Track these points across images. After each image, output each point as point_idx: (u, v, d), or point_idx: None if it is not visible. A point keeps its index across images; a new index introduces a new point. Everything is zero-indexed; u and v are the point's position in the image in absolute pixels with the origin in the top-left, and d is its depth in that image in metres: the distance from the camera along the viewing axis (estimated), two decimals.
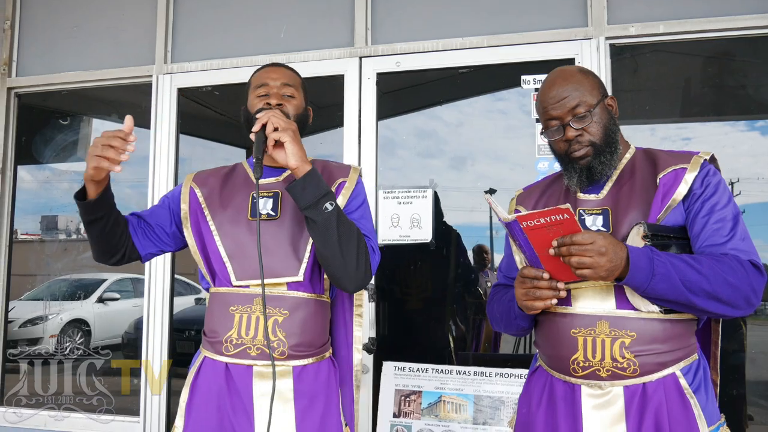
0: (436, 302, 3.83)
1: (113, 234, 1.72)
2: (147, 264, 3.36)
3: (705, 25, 2.89)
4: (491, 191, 5.60)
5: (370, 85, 3.15)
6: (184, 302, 6.09)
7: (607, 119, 1.60)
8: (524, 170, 3.10)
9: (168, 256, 3.33)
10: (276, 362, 1.65)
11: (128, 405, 3.28)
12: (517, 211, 1.74)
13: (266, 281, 1.65)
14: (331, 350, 1.81)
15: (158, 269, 3.35)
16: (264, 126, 1.62)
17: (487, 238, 4.16)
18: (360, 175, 1.87)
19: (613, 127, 1.62)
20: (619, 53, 3.02)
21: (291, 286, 1.70)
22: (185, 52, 3.52)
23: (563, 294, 1.47)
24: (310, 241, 1.69)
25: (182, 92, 3.48)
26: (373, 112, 3.14)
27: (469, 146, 5.28)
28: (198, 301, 8.94)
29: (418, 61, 3.16)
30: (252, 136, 1.63)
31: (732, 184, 5.53)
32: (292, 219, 1.72)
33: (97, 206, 1.64)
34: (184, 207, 1.82)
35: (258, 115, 1.65)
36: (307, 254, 1.70)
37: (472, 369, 2.83)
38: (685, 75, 3.87)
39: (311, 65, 3.25)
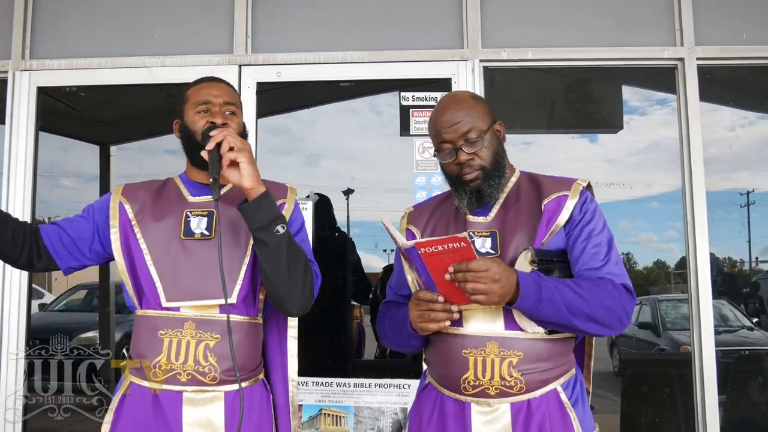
0: (320, 314, 3.82)
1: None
2: None
3: (567, 54, 3.12)
4: (348, 191, 5.65)
5: (250, 94, 3.10)
6: None
7: (496, 144, 1.68)
8: (377, 169, 3.17)
9: None
10: (207, 387, 1.62)
11: None
12: (408, 231, 1.78)
13: (198, 303, 1.64)
14: (263, 373, 1.77)
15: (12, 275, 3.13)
16: (218, 145, 1.59)
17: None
18: (296, 196, 1.85)
19: (502, 151, 1.70)
20: (491, 74, 3.18)
21: (223, 308, 1.63)
22: (46, 49, 3.27)
23: (456, 316, 1.52)
24: (245, 262, 1.69)
25: (43, 91, 3.23)
26: (254, 120, 3.09)
27: (323, 145, 5.29)
28: (42, 306, 8.21)
29: (299, 72, 3.16)
30: (204, 154, 1.60)
31: None
32: (227, 239, 1.68)
33: None
34: (113, 222, 1.74)
35: (212, 133, 1.61)
36: (241, 276, 1.68)
37: (352, 381, 2.86)
38: (537, 92, 4.18)
39: (187, 70, 3.13)
